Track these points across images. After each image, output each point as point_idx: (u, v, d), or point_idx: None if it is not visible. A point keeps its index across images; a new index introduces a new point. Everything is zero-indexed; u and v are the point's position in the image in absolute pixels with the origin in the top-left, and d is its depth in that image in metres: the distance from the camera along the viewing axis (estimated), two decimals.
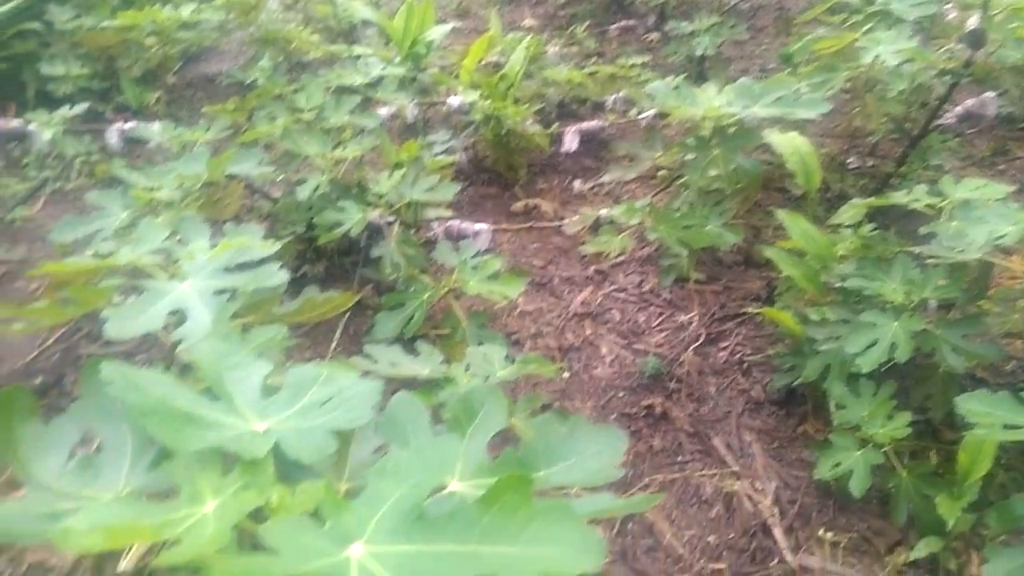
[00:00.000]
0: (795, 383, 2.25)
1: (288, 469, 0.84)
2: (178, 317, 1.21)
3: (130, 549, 1.96)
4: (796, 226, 2.36)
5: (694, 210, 2.57)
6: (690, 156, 2.48)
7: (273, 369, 0.98)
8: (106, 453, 0.93)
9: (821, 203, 3.03)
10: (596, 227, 2.77)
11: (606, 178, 2.91)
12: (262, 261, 1.29)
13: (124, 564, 1.91)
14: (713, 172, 2.44)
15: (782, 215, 2.38)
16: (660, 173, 3.11)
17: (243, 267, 1.31)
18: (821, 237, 2.36)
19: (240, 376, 0.91)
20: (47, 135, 2.97)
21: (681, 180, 2.73)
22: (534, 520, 0.68)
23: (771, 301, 2.63)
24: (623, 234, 2.44)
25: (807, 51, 3.25)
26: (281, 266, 1.26)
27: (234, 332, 1.18)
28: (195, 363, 0.91)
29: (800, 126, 3.31)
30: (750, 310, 2.66)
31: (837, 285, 2.27)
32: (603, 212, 2.78)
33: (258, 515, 0.77)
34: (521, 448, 0.92)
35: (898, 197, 2.29)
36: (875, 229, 2.46)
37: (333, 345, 2.57)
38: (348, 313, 2.64)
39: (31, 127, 3.12)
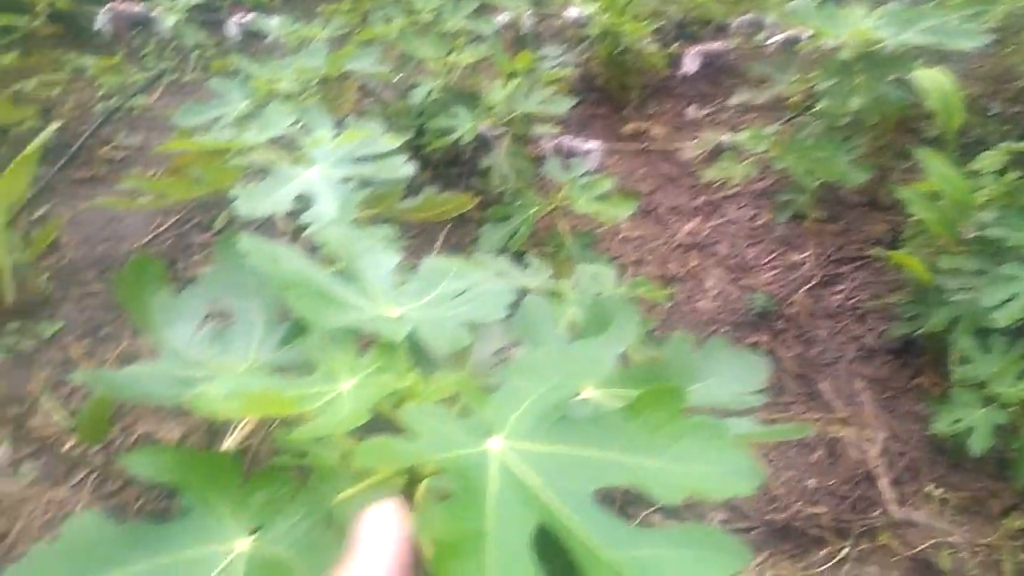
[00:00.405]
0: (915, 333, 2.13)
1: (417, 361, 0.82)
2: (303, 203, 1.19)
3: (235, 429, 2.01)
4: (935, 167, 2.19)
5: (821, 143, 2.41)
6: (829, 83, 2.31)
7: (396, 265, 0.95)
8: (236, 327, 0.93)
9: (958, 148, 2.82)
10: (716, 153, 2.65)
11: (733, 101, 2.76)
12: (386, 155, 1.26)
13: (229, 442, 1.97)
14: (853, 102, 2.27)
15: (921, 154, 2.21)
16: (792, 100, 2.92)
17: (366, 160, 1.28)
18: (961, 181, 2.19)
19: (371, 262, 0.89)
20: (169, 21, 3.00)
21: (813, 109, 2.56)
22: (684, 435, 0.63)
23: (895, 246, 2.48)
24: (745, 162, 2.32)
25: None
26: (406, 160, 1.22)
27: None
28: (326, 245, 0.89)
29: (947, 60, 3.05)
30: (872, 253, 2.52)
31: (974, 234, 2.11)
32: (724, 137, 2.64)
33: (391, 402, 0.75)
34: (655, 363, 0.87)
35: None
36: (1020, 178, 2.26)
37: (433, 255, 2.57)
38: (449, 224, 2.62)
39: (154, 13, 3.15)
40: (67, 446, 1.87)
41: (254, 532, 0.67)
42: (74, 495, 1.73)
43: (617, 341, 0.89)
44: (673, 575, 0.55)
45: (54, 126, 2.51)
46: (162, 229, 2.59)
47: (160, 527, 0.67)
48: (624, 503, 1.78)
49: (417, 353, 0.82)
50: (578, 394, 0.81)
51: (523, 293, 1.00)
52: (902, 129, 3.10)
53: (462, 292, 0.87)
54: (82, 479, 1.78)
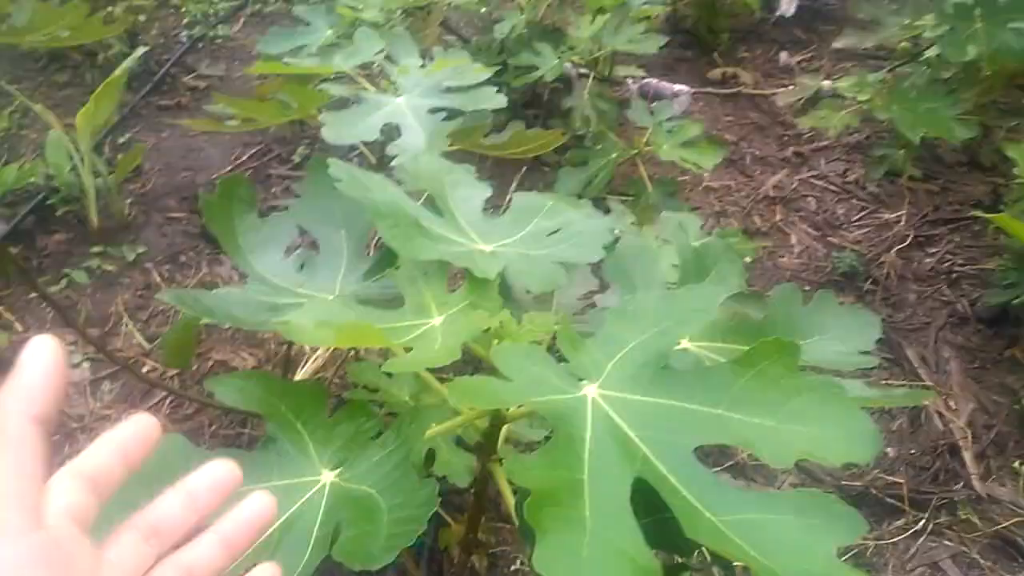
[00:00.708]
0: (1012, 302, 2.01)
1: (503, 297, 0.78)
2: (390, 133, 1.16)
3: (307, 361, 2.02)
4: None
5: (926, 96, 2.27)
6: (945, 28, 2.15)
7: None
8: (321, 255, 0.92)
9: None
10: (813, 102, 2.51)
11: (838, 43, 2.59)
12: (477, 85, 1.21)
13: (302, 373, 1.99)
14: (971, 50, 2.11)
15: None
16: (900, 46, 2.74)
17: (455, 91, 1.24)
18: None
19: (462, 195, 0.85)
20: None
21: (923, 58, 2.40)
22: (799, 394, 0.59)
23: (995, 209, 2.33)
24: (846, 111, 2.19)
25: None
26: (498, 90, 1.17)
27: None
28: (417, 175, 0.86)
29: None
30: (970, 215, 2.38)
31: None
32: (825, 84, 2.50)
33: (482, 341, 0.72)
34: (759, 317, 0.83)
35: None
36: None
37: (507, 200, 2.53)
38: (524, 168, 2.57)
39: None
40: (145, 368, 1.91)
41: (338, 467, 0.66)
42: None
43: (720, 289, 0.85)
44: (783, 542, 0.52)
45: (139, 52, 2.53)
46: (242, 160, 2.60)
47: (245, 455, 0.66)
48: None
49: (504, 293, 0.79)
50: (678, 344, 0.78)
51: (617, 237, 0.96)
52: (1011, 86, 2.90)
53: (556, 230, 0.83)
54: (158, 402, 1.83)
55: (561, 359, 0.66)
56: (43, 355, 0.46)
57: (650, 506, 0.57)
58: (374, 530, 0.58)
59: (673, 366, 0.65)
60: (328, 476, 0.65)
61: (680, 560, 0.68)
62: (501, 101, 1.16)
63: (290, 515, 0.62)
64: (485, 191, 0.90)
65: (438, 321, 0.69)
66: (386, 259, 0.85)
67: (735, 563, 0.59)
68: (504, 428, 0.78)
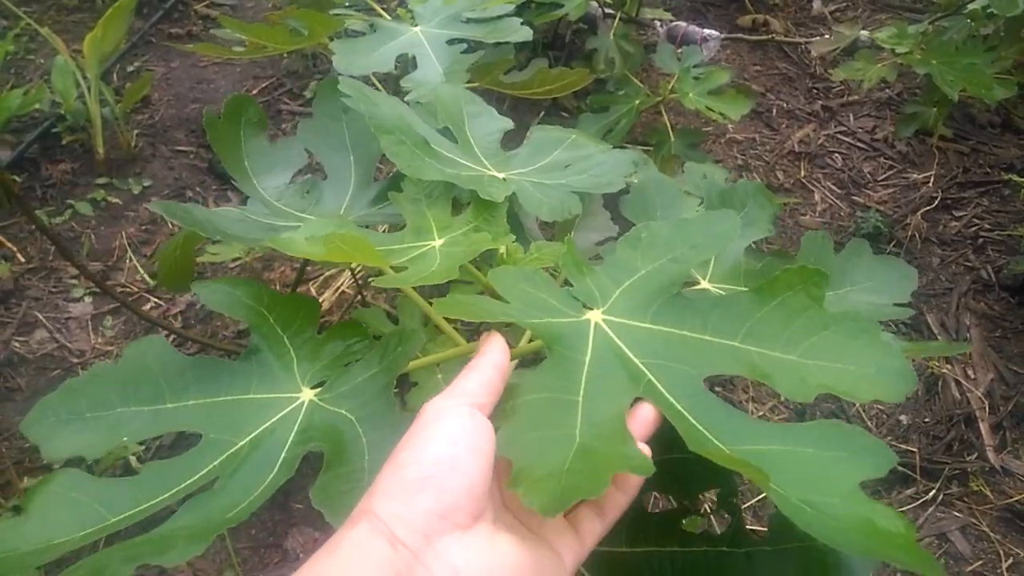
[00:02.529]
0: None
1: (513, 230, 0.73)
2: (405, 64, 1.10)
3: (326, 290, 1.97)
4: None
5: (965, 51, 2.16)
6: None
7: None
8: (328, 181, 0.87)
9: None
10: (848, 52, 2.42)
11: None
12: (500, 16, 1.14)
13: (321, 300, 1.94)
14: (1022, 2, 2.00)
15: None
16: None
17: (476, 22, 1.17)
18: None
19: (481, 124, 0.80)
20: None
21: (967, 10, 2.29)
22: (825, 328, 0.54)
23: None
24: (883, 64, 2.09)
25: None
26: (523, 23, 1.10)
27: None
28: (436, 103, 0.80)
29: None
30: (1003, 178, 2.30)
31: None
32: (863, 34, 2.40)
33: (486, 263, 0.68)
34: (786, 259, 0.77)
35: None
36: None
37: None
38: (542, 113, 2.49)
39: None
40: (148, 306, 1.88)
41: (319, 385, 0.62)
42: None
43: (748, 230, 0.79)
44: (803, 474, 0.47)
45: None
46: (253, 93, 2.53)
47: (225, 364, 0.62)
48: None
49: (514, 224, 0.74)
50: (695, 282, 0.73)
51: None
52: None
53: (576, 162, 0.77)
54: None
55: (567, 284, 0.61)
56: (496, 354, 0.52)
57: (652, 447, 0.52)
58: (353, 473, 0.54)
59: (689, 295, 0.60)
60: (308, 394, 0.62)
61: (684, 503, 0.64)
62: (526, 33, 1.09)
63: (262, 431, 0.59)
64: (505, 123, 0.84)
65: (439, 243, 0.65)
66: (393, 184, 0.79)
67: (743, 506, 0.55)
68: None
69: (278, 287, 1.85)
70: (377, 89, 1.40)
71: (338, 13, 1.24)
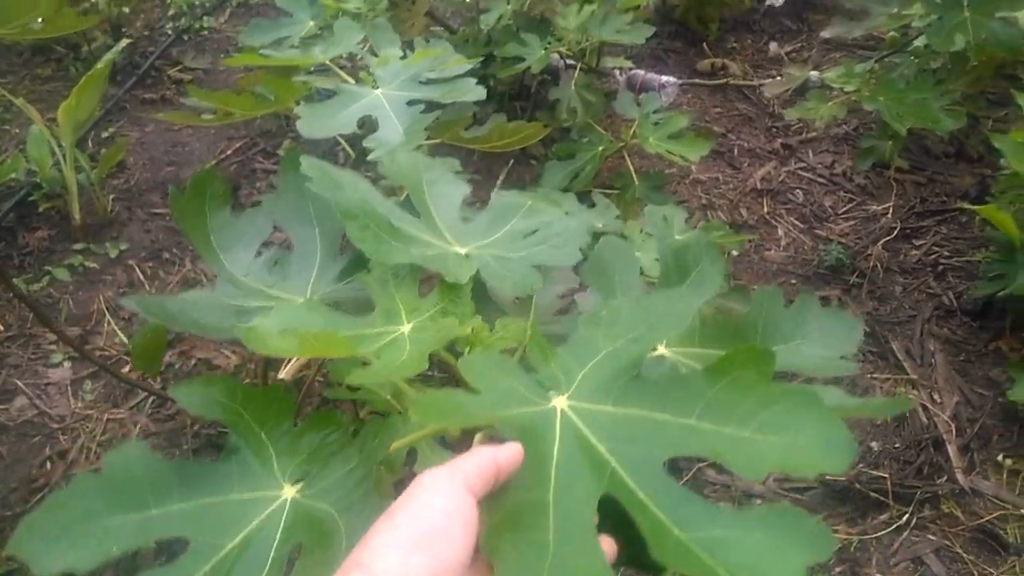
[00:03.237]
0: (998, 294, 2.01)
1: (478, 301, 0.77)
2: (367, 126, 1.15)
3: (290, 360, 2.01)
4: None
5: (914, 86, 2.26)
6: (933, 18, 2.14)
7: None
8: (295, 254, 0.90)
9: None
10: (800, 92, 2.50)
11: (826, 33, 2.58)
12: (457, 76, 1.20)
13: (284, 372, 1.97)
14: (959, 40, 2.10)
15: (1022, 99, 2.04)
16: (889, 36, 2.73)
17: (435, 82, 1.23)
18: None
19: (440, 192, 0.84)
20: None
21: (911, 48, 2.39)
22: (774, 403, 0.58)
23: (982, 201, 2.33)
24: (833, 102, 2.18)
25: None
26: (478, 82, 1.16)
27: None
28: (394, 171, 0.85)
29: None
30: (957, 207, 2.38)
31: None
32: (812, 75, 2.49)
33: (453, 348, 0.71)
34: (738, 319, 0.82)
35: None
36: None
37: (495, 193, 2.51)
38: (511, 160, 2.55)
39: None
40: (127, 368, 1.90)
41: (300, 480, 0.65)
42: (132, 416, 1.77)
43: (699, 290, 0.84)
44: (751, 560, 0.51)
45: (123, 44, 2.50)
46: (226, 154, 2.58)
47: (206, 466, 0.65)
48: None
49: (480, 292, 0.78)
50: (654, 350, 0.77)
51: (598, 234, 0.95)
52: (999, 76, 2.90)
53: (533, 231, 0.82)
54: (140, 401, 1.81)
55: (532, 368, 0.65)
56: (503, 452, 0.54)
57: (619, 524, 0.56)
58: (331, 559, 0.57)
59: (646, 374, 0.64)
60: (289, 491, 0.64)
61: None
62: (481, 93, 1.14)
63: (248, 531, 0.61)
64: (464, 189, 0.88)
65: (407, 328, 0.68)
66: (360, 258, 0.83)
67: None
68: (478, 436, 0.77)
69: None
70: (343, 149, 1.46)
71: (302, 78, 1.29)
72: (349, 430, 0.68)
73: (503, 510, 0.54)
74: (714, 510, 0.54)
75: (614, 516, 0.54)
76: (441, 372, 1.24)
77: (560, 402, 0.60)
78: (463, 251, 0.77)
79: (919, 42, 2.37)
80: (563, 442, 0.56)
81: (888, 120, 2.05)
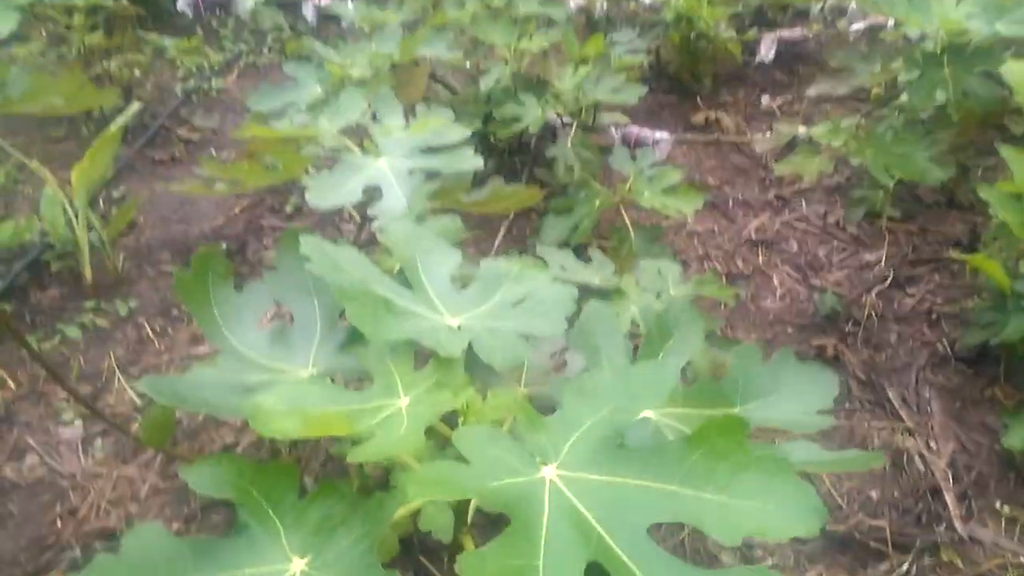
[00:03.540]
0: (991, 341, 2.04)
1: (471, 366, 0.82)
2: (372, 194, 1.21)
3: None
4: (1021, 166, 2.08)
5: (900, 139, 2.33)
6: (914, 75, 2.22)
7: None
8: (296, 327, 0.95)
9: None
10: (790, 147, 2.57)
11: (811, 91, 2.68)
12: (456, 145, 1.26)
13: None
14: (939, 96, 2.17)
15: (1007, 152, 2.10)
16: (873, 92, 2.82)
17: (436, 151, 1.29)
18: None
19: (433, 262, 0.89)
20: (248, 4, 3.06)
21: (896, 103, 2.47)
22: (747, 469, 0.62)
23: (973, 249, 2.38)
24: (820, 157, 2.24)
25: None
26: (479, 140, 1.22)
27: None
28: (390, 244, 0.90)
29: None
30: (949, 256, 2.42)
31: None
32: (801, 130, 2.57)
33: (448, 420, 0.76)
34: (719, 380, 0.86)
35: None
36: None
37: (496, 245, 2.57)
38: (511, 215, 2.62)
39: None
40: (137, 425, 1.94)
41: (307, 553, 0.69)
42: (142, 474, 1.80)
43: (678, 354, 0.88)
44: None
45: (135, 107, 2.59)
46: (235, 212, 2.65)
47: (218, 542, 0.69)
48: None
49: (473, 360, 0.82)
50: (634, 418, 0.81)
51: (585, 297, 0.99)
52: (987, 125, 2.97)
53: (522, 299, 0.87)
54: (150, 459, 1.84)
55: (522, 438, 0.69)
56: None
57: None
58: None
59: (631, 442, 0.69)
60: (298, 564, 0.68)
61: None
62: (478, 163, 1.20)
63: None
64: (456, 257, 0.93)
65: (404, 402, 0.73)
66: (359, 333, 0.88)
67: None
68: (474, 501, 0.81)
69: None
70: (349, 216, 1.51)
71: (309, 149, 1.36)
72: (354, 493, 0.72)
73: (498, 572, 0.57)
74: (694, 571, 0.58)
75: None
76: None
77: (549, 472, 0.64)
78: (455, 323, 0.81)
79: (904, 97, 2.45)
80: (552, 511, 0.60)
81: (874, 172, 2.11)
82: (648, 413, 0.81)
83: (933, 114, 2.56)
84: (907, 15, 2.24)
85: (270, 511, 0.70)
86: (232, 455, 0.72)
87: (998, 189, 2.15)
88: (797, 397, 0.84)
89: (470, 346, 0.79)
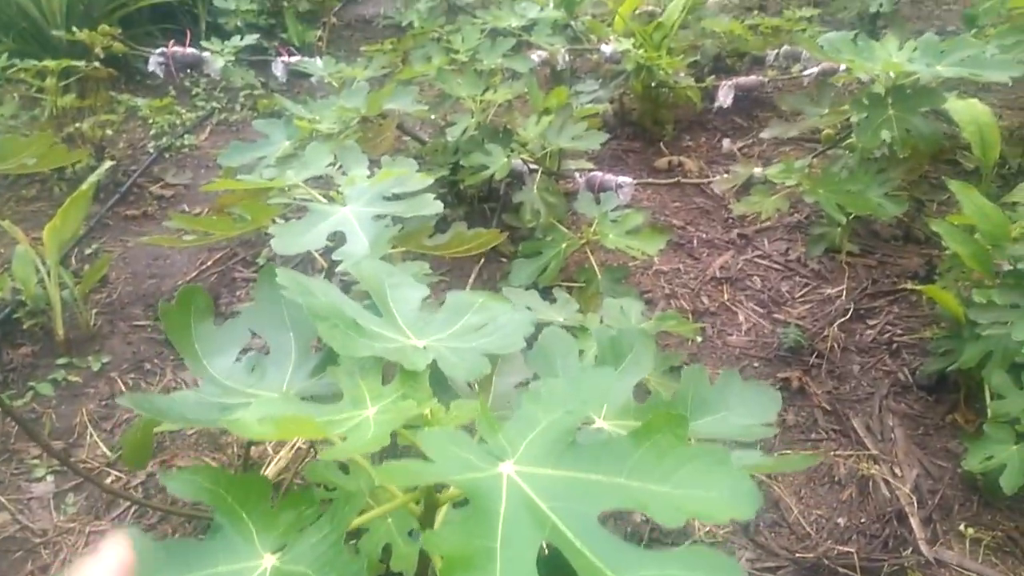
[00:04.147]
0: (949, 368, 2.11)
1: (438, 391, 0.86)
2: (337, 240, 1.25)
3: (270, 463, 2.05)
4: (969, 200, 2.18)
5: (855, 176, 2.42)
6: (860, 116, 2.33)
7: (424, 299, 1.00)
8: (271, 357, 0.99)
9: (995, 179, 2.80)
10: (747, 187, 2.66)
11: (764, 134, 2.79)
12: (418, 192, 1.31)
13: (270, 470, 2.02)
14: (885, 135, 2.27)
15: (955, 186, 2.20)
16: (824, 133, 2.93)
17: (400, 198, 1.34)
18: (996, 214, 2.17)
19: (400, 295, 0.94)
20: (219, 63, 3.13)
21: (846, 142, 2.57)
22: (688, 461, 0.66)
23: (930, 280, 2.47)
24: (776, 196, 2.33)
25: (996, 12, 2.98)
26: (436, 197, 1.28)
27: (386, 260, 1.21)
28: (360, 278, 0.94)
29: (980, 93, 3.04)
30: (906, 287, 2.50)
31: (1008, 268, 2.10)
32: (756, 171, 2.66)
33: (412, 428, 0.79)
34: (668, 397, 0.90)
35: None
36: None
37: (467, 289, 2.61)
38: (482, 259, 2.67)
39: (205, 54, 3.30)
40: (109, 479, 1.93)
41: (279, 550, 0.72)
42: (114, 528, 1.80)
43: (631, 374, 0.92)
44: None
45: (106, 165, 2.63)
46: (207, 265, 2.68)
47: (193, 544, 0.72)
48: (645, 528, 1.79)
49: (437, 385, 0.86)
50: (591, 422, 0.85)
51: (544, 325, 1.04)
52: (939, 160, 3.09)
53: (484, 324, 0.91)
54: (122, 512, 1.84)
55: (482, 440, 0.73)
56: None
57: (558, 571, 0.63)
58: None
59: (584, 442, 0.73)
60: (269, 560, 0.71)
61: None
62: (438, 207, 1.26)
63: None
64: (423, 291, 0.98)
65: (372, 412, 0.76)
66: (330, 357, 0.92)
67: None
68: (442, 512, 0.84)
69: (235, 448, 1.93)
70: (318, 260, 1.56)
71: (276, 200, 1.41)
72: (321, 498, 0.75)
73: (458, 551, 0.61)
74: (644, 554, 0.61)
75: (555, 565, 0.61)
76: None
77: (507, 468, 0.68)
78: (421, 344, 0.86)
79: (852, 139, 2.55)
80: (509, 500, 0.64)
81: (827, 210, 2.19)
82: (602, 424, 0.85)
83: (886, 152, 2.67)
84: (854, 60, 2.36)
85: (244, 515, 0.73)
86: (209, 466, 0.75)
87: (949, 222, 2.24)
88: (743, 413, 0.89)
89: (436, 368, 0.83)
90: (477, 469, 0.67)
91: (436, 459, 0.67)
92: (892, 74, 2.41)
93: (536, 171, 2.55)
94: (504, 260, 2.67)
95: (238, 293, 2.56)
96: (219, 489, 0.75)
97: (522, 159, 2.55)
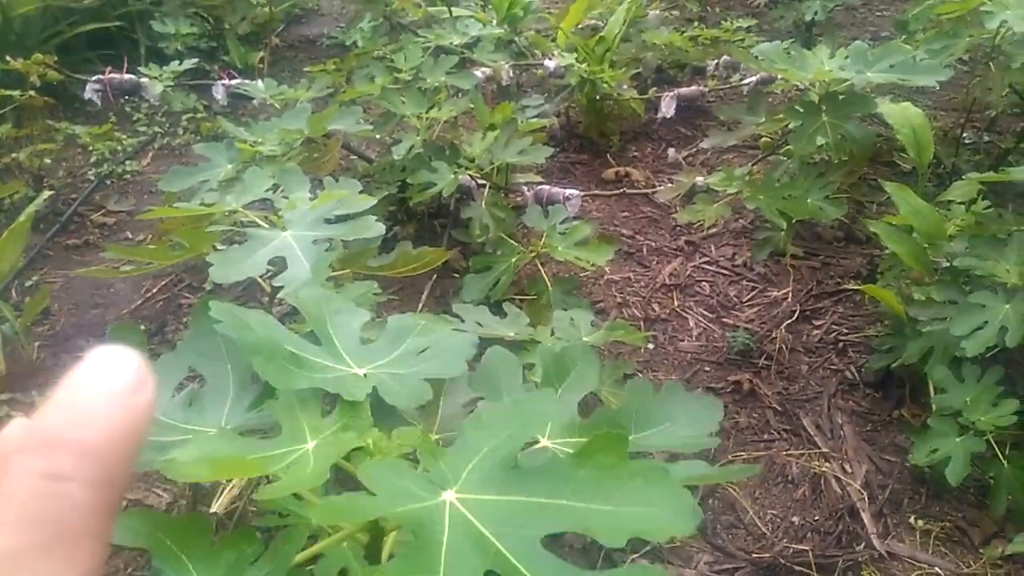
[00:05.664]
0: (893, 365, 2.16)
1: (382, 417, 0.85)
2: (278, 265, 1.24)
3: (222, 492, 2.03)
4: (905, 200, 2.25)
5: (795, 181, 2.48)
6: (796, 123, 2.38)
7: (367, 322, 0.99)
8: (209, 391, 0.97)
9: (932, 179, 2.89)
10: (690, 195, 2.71)
11: (705, 144, 2.84)
12: (360, 214, 1.31)
13: (217, 505, 1.99)
14: (820, 141, 2.34)
15: (891, 188, 2.27)
16: (762, 141, 3.00)
17: (341, 220, 1.33)
18: (931, 213, 2.25)
19: (341, 321, 0.93)
20: (157, 89, 3.09)
21: (784, 149, 2.63)
22: (630, 479, 0.67)
23: (872, 279, 2.53)
24: (718, 203, 2.38)
25: (925, 18, 3.08)
26: (378, 219, 1.27)
27: (331, 283, 1.20)
28: (299, 306, 0.93)
29: (914, 96, 3.14)
30: (849, 287, 2.56)
31: (945, 265, 2.17)
32: (699, 180, 2.71)
33: (354, 458, 0.79)
34: (613, 410, 0.91)
35: (1017, 173, 2.16)
36: (990, 207, 2.33)
37: (420, 306, 2.60)
38: (435, 275, 2.66)
39: (143, 80, 3.24)
40: None
41: None
42: None
43: (575, 390, 0.93)
44: None
45: (45, 195, 2.57)
46: (152, 292, 2.63)
47: None
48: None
49: (380, 413, 0.86)
50: (535, 442, 0.85)
51: (488, 344, 1.04)
52: (878, 162, 3.18)
53: (425, 348, 0.91)
54: None
55: (424, 469, 0.72)
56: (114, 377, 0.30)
57: None
58: None
59: (526, 464, 0.73)
60: None
61: None
62: (380, 230, 1.25)
63: None
64: (364, 316, 0.97)
65: (311, 446, 0.75)
66: (269, 390, 0.90)
67: None
68: (390, 539, 0.83)
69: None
70: (262, 285, 1.54)
71: (214, 227, 1.39)
72: (263, 536, 0.74)
73: None
74: (586, 573, 0.62)
75: None
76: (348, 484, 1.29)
77: (449, 495, 0.68)
78: (362, 372, 0.85)
79: (789, 146, 2.61)
80: (451, 528, 0.64)
81: (768, 216, 2.24)
82: (547, 443, 0.85)
83: (825, 157, 2.74)
84: (787, 69, 2.42)
85: (183, 557, 0.72)
86: (147, 510, 0.74)
87: (886, 223, 2.30)
88: (687, 424, 0.90)
89: (378, 396, 0.83)
90: (419, 499, 0.67)
91: (378, 492, 0.66)
92: (825, 82, 2.48)
93: (484, 186, 2.56)
94: (456, 276, 2.67)
95: (184, 320, 2.52)
96: (156, 532, 0.73)
97: (469, 175, 2.56)
